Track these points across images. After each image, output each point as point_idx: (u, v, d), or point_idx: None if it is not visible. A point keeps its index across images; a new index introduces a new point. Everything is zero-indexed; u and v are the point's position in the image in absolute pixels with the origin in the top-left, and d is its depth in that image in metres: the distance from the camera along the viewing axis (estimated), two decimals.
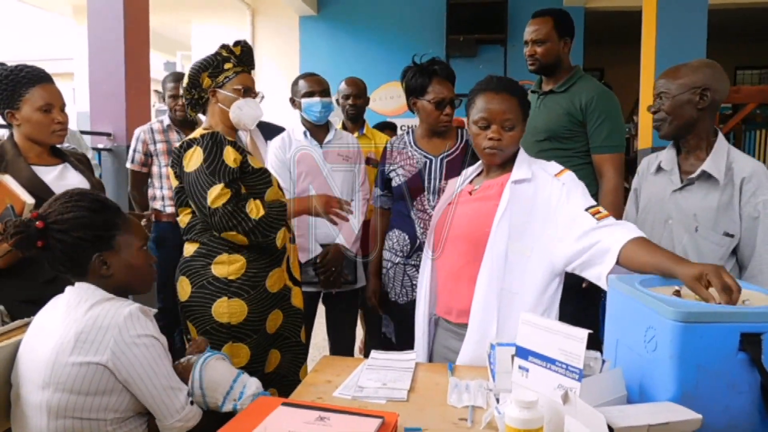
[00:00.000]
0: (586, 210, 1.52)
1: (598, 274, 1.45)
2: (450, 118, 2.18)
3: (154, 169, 3.21)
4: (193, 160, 1.81)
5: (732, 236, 1.68)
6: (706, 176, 1.73)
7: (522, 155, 1.70)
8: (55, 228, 1.30)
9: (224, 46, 1.92)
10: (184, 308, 1.90)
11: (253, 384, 1.42)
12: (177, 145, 3.07)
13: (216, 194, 1.77)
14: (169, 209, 3.15)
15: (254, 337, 1.89)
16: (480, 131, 1.65)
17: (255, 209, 1.82)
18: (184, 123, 3.24)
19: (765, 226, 1.65)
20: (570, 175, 1.63)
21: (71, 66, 7.94)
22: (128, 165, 3.23)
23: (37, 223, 1.29)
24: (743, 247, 1.69)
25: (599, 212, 1.51)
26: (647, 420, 0.91)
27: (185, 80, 1.93)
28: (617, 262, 1.41)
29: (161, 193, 3.20)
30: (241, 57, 1.94)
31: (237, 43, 1.94)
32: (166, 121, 3.24)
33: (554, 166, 1.66)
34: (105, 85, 3.72)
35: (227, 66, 1.91)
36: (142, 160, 3.19)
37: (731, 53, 8.12)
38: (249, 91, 1.94)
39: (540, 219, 1.58)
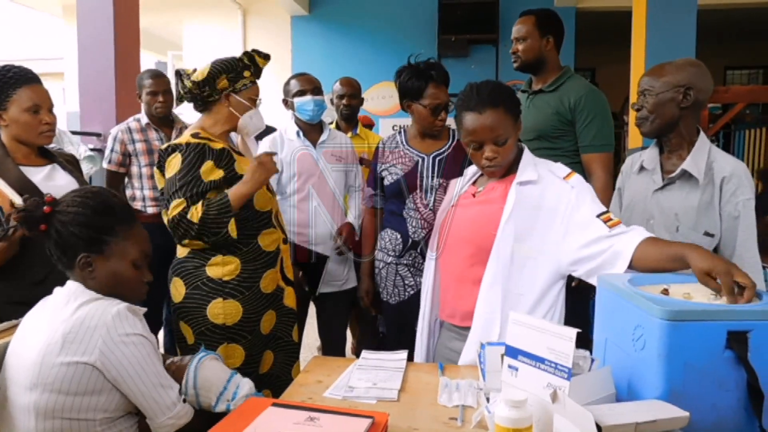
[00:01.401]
0: (598, 216, 1.53)
1: None
2: (444, 123, 2.19)
3: (134, 169, 3.13)
4: (171, 166, 1.82)
5: (712, 236, 1.68)
6: (687, 175, 1.73)
7: (527, 156, 1.69)
8: (58, 217, 1.33)
9: (247, 54, 1.94)
10: (177, 310, 1.89)
11: (246, 385, 1.42)
12: (157, 143, 3.10)
13: (174, 206, 1.78)
14: (150, 209, 3.10)
15: (249, 338, 1.88)
16: (474, 152, 1.65)
17: (195, 212, 1.79)
18: (162, 121, 3.17)
19: (745, 226, 1.65)
20: (578, 179, 1.63)
21: (61, 66, 7.88)
22: (104, 165, 3.17)
23: (45, 208, 1.33)
24: (723, 247, 1.69)
25: (610, 219, 1.52)
26: (635, 418, 0.92)
27: (200, 74, 1.87)
28: (630, 266, 1.42)
29: (141, 194, 3.13)
30: (260, 69, 1.98)
31: (263, 56, 1.96)
32: (144, 119, 3.16)
33: (561, 168, 1.66)
34: (95, 85, 3.70)
35: (246, 74, 1.93)
36: (120, 161, 3.12)
37: (721, 53, 8.19)
38: (257, 102, 1.98)
39: (547, 220, 1.58)
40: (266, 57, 1.97)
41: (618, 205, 2.00)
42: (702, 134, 1.77)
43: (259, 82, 2.01)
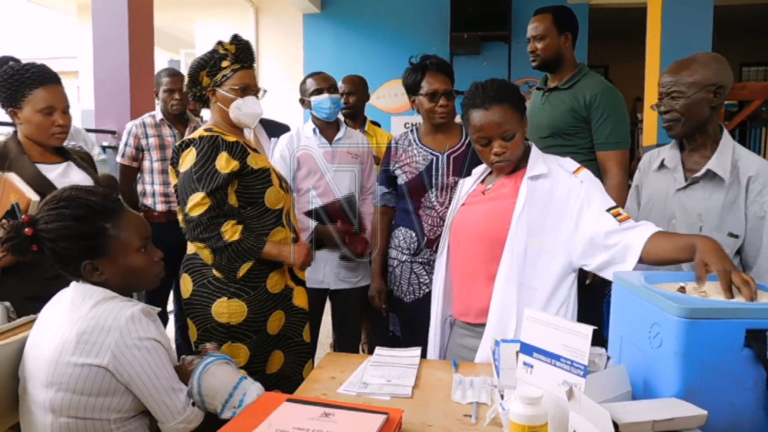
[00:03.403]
0: (608, 211, 1.54)
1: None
2: (445, 109, 2.17)
3: (146, 164, 3.17)
4: (186, 161, 1.80)
5: (737, 237, 1.64)
6: (711, 175, 1.68)
7: (535, 152, 1.70)
8: (43, 236, 1.28)
9: (220, 43, 1.87)
10: (185, 305, 1.90)
11: (254, 391, 1.37)
12: (170, 140, 3.13)
13: (195, 202, 1.75)
14: (160, 206, 3.13)
15: (254, 338, 1.87)
16: (483, 148, 1.66)
17: (230, 231, 1.78)
18: (176, 118, 3.23)
19: None
20: (587, 173, 1.63)
21: (75, 64, 7.95)
22: (118, 159, 3.22)
23: (26, 230, 1.27)
24: (748, 248, 1.64)
25: (620, 213, 1.53)
26: (652, 416, 0.91)
27: (186, 78, 1.91)
28: (640, 260, 1.43)
29: (152, 189, 3.16)
30: (237, 54, 1.88)
31: (232, 40, 1.88)
32: (159, 115, 3.21)
33: (570, 163, 1.67)
34: (109, 83, 3.73)
35: (224, 64, 1.86)
36: (133, 155, 3.16)
37: (737, 49, 8.06)
38: (248, 89, 1.88)
39: (557, 214, 1.59)
40: (232, 41, 1.87)
41: (636, 203, 1.95)
42: (725, 132, 1.72)
43: (266, 77, 1.98)
